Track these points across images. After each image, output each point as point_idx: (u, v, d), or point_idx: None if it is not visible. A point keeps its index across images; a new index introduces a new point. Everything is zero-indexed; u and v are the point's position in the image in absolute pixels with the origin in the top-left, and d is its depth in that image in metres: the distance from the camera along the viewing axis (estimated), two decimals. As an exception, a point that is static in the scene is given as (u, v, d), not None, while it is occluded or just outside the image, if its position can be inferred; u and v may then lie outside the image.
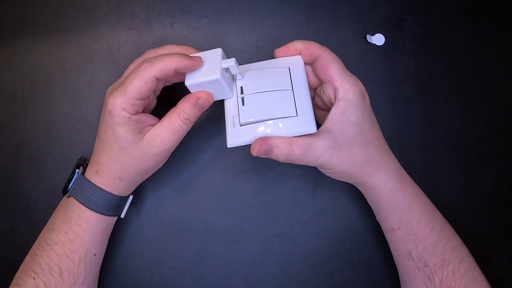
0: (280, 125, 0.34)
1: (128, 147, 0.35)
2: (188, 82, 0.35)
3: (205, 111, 0.37)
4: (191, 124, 0.36)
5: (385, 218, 0.39)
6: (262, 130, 0.34)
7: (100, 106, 0.44)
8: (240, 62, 0.46)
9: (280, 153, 0.33)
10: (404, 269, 0.39)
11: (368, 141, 0.36)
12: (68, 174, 0.38)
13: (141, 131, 0.35)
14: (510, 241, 0.45)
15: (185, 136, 0.43)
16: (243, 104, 0.35)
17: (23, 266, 0.37)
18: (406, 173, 0.39)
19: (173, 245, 0.44)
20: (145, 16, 0.46)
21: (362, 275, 0.44)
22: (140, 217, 0.44)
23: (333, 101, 0.35)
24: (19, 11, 0.45)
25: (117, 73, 0.45)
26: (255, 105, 0.35)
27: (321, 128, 0.35)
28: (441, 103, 0.46)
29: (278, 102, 0.35)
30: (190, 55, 0.37)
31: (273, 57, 0.38)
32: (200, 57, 0.35)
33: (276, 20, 0.46)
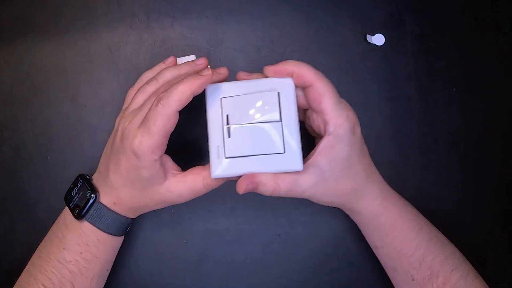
0: (267, 161, 0.34)
1: (149, 189, 0.35)
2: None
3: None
4: (212, 189, 0.36)
5: (368, 238, 0.40)
6: (248, 165, 0.34)
7: (100, 106, 0.45)
8: (240, 62, 0.46)
9: (266, 190, 0.33)
10: (393, 280, 0.40)
11: (355, 173, 0.35)
12: (68, 176, 0.38)
13: (162, 175, 0.35)
14: (510, 241, 0.45)
15: (185, 136, 0.43)
16: (229, 136, 0.34)
17: (29, 278, 0.36)
18: (392, 193, 0.39)
19: (173, 245, 0.44)
20: (145, 16, 0.46)
21: (362, 275, 0.44)
22: (140, 217, 0.44)
23: (322, 132, 0.35)
24: (19, 11, 0.45)
25: (117, 73, 0.45)
26: (241, 138, 0.34)
27: (309, 162, 0.34)
28: (441, 103, 0.46)
29: (266, 137, 0.34)
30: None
31: (273, 60, 0.37)
32: (209, 69, 0.34)
33: (276, 20, 0.46)
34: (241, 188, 0.33)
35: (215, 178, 0.34)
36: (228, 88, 0.35)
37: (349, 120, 0.34)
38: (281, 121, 0.34)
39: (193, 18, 0.46)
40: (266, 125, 0.34)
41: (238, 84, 0.36)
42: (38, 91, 0.45)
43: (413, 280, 0.37)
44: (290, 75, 0.34)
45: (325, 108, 0.33)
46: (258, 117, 0.34)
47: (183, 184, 0.35)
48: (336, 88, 0.35)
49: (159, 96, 0.32)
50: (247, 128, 0.34)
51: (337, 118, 0.33)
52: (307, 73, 0.33)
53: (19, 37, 0.45)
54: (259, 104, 0.34)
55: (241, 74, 0.37)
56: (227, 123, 0.34)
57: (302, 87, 0.35)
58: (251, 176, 0.33)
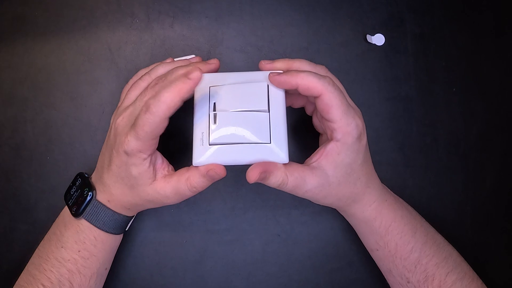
0: (251, 151, 0.33)
1: (137, 188, 0.35)
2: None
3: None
4: (198, 192, 0.35)
5: (364, 240, 0.41)
6: (232, 154, 0.33)
7: (100, 106, 0.45)
8: (240, 62, 0.46)
9: (275, 181, 0.33)
10: (389, 283, 0.40)
11: (357, 178, 0.36)
12: (68, 176, 0.38)
13: (151, 175, 0.34)
14: (510, 241, 0.45)
15: (185, 136, 0.43)
16: (214, 122, 0.33)
17: (29, 277, 0.37)
18: (389, 196, 0.39)
19: (173, 245, 0.44)
20: (145, 16, 0.46)
21: (362, 275, 0.44)
22: (140, 217, 0.44)
23: (328, 134, 0.35)
24: (19, 11, 0.45)
25: (117, 73, 0.45)
26: (227, 125, 0.33)
27: (315, 164, 0.34)
28: (441, 103, 0.46)
29: (252, 126, 0.33)
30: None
31: (269, 58, 0.38)
32: (199, 69, 0.32)
33: (276, 20, 0.46)
34: (253, 176, 0.32)
35: (198, 179, 0.33)
36: (218, 77, 0.35)
37: (357, 128, 0.33)
38: (269, 111, 0.34)
39: (193, 18, 0.46)
40: (253, 114, 0.33)
41: (228, 74, 0.35)
42: (38, 91, 0.45)
43: (408, 282, 0.37)
44: (295, 87, 0.33)
45: (333, 118, 0.33)
46: (245, 105, 0.33)
47: (169, 185, 0.34)
48: (345, 92, 0.35)
49: (147, 102, 0.31)
50: (234, 115, 0.33)
51: (345, 127, 0.33)
52: (312, 85, 0.32)
53: (19, 37, 0.45)
54: (247, 93, 0.34)
55: (262, 62, 0.36)
56: (214, 110, 0.34)
57: (311, 97, 0.34)
58: (264, 164, 0.32)
